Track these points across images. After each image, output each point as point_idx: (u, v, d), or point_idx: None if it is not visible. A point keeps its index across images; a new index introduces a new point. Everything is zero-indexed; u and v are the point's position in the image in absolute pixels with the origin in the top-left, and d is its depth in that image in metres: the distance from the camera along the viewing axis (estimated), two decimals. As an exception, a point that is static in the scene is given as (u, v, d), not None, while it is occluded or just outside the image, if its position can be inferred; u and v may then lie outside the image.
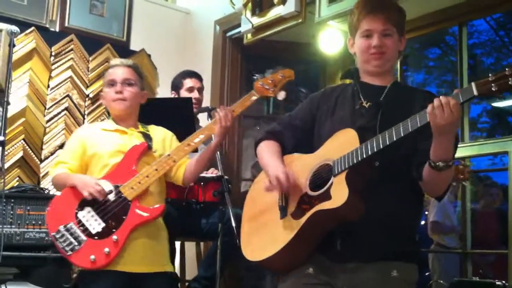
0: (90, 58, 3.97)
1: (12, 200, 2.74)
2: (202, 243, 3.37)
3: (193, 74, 3.36)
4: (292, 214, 1.72)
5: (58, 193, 3.47)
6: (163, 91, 4.10)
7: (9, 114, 3.03)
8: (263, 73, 2.37)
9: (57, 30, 3.93)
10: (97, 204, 2.20)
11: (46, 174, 3.65)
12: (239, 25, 3.90)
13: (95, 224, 2.18)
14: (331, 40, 3.69)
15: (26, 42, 3.69)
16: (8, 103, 2.56)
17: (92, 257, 2.11)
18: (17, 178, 3.52)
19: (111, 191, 2.22)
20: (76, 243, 2.14)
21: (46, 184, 3.60)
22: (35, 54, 3.71)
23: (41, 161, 3.67)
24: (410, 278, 1.69)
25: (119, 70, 2.43)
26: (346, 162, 1.62)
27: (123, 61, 2.50)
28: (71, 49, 3.87)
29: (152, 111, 2.74)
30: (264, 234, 1.79)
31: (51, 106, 3.75)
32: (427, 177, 1.62)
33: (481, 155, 3.14)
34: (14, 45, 2.54)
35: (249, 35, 3.87)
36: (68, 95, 3.80)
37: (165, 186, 2.43)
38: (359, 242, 1.66)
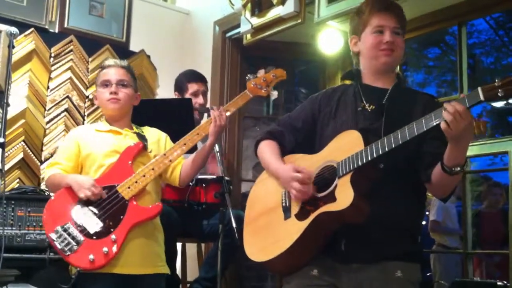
0: (90, 59, 3.96)
1: (13, 202, 2.74)
2: (203, 244, 3.36)
3: (198, 78, 3.32)
4: (296, 215, 1.72)
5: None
6: (163, 91, 4.10)
7: (9, 116, 3.03)
8: (251, 73, 2.40)
9: (57, 31, 3.92)
10: (95, 204, 2.20)
11: (46, 175, 3.65)
12: (238, 26, 3.90)
13: (92, 224, 2.17)
14: (330, 40, 3.69)
15: (26, 43, 3.68)
16: (8, 105, 2.55)
17: (91, 257, 2.10)
18: (18, 180, 3.51)
19: (107, 191, 2.22)
20: (74, 244, 2.13)
21: (46, 185, 3.60)
22: (34, 55, 3.71)
23: (42, 162, 3.66)
24: (413, 278, 1.70)
25: (113, 70, 2.41)
26: (351, 163, 1.62)
27: (117, 61, 2.48)
28: (71, 50, 3.87)
29: (152, 112, 2.74)
30: (267, 235, 1.78)
31: (51, 108, 3.75)
32: (438, 180, 1.63)
33: (482, 155, 3.14)
34: (13, 47, 2.53)
35: (249, 36, 3.87)
36: (68, 96, 3.80)
37: (160, 186, 2.43)
38: (363, 243, 1.66)
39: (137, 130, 2.43)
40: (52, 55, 3.82)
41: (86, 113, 3.88)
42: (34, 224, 2.74)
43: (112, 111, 2.39)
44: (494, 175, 4.66)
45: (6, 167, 3.44)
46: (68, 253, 2.12)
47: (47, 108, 3.74)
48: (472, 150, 3.12)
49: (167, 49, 4.36)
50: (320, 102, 1.89)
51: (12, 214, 2.71)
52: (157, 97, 4.11)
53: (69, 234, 2.14)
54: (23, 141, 3.57)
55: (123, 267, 2.17)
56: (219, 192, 2.61)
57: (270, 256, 1.72)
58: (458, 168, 1.55)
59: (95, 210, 2.19)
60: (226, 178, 2.71)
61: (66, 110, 3.78)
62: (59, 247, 2.13)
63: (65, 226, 2.16)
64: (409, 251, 1.71)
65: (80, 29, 3.98)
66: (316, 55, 3.96)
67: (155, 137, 2.45)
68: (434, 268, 4.44)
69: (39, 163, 3.64)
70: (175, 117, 2.64)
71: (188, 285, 3.11)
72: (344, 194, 1.59)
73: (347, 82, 2.01)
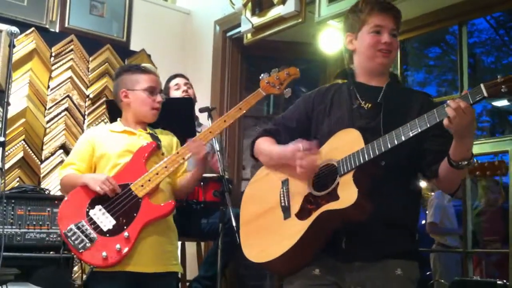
0: (90, 59, 3.97)
1: (13, 201, 2.74)
2: (202, 243, 3.37)
3: (176, 75, 3.39)
4: (297, 215, 1.71)
5: (59, 193, 3.53)
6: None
7: (9, 115, 3.04)
8: (264, 72, 2.40)
9: (57, 30, 3.93)
10: (108, 202, 2.21)
11: (47, 174, 3.66)
12: (239, 25, 3.90)
13: (106, 221, 2.19)
14: (331, 39, 3.69)
15: (26, 42, 3.69)
16: (8, 104, 2.56)
17: (104, 254, 2.11)
18: (18, 179, 3.52)
19: (121, 190, 2.23)
20: (87, 241, 2.14)
21: (46, 184, 3.61)
22: (35, 54, 3.72)
23: (42, 161, 3.67)
24: (413, 276, 1.70)
25: (157, 79, 2.46)
26: (353, 161, 1.61)
27: (155, 69, 2.54)
28: (71, 50, 3.87)
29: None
30: (267, 235, 1.77)
31: (51, 107, 3.76)
32: (445, 175, 1.63)
33: (482, 154, 3.14)
34: (14, 46, 2.53)
35: (249, 35, 3.87)
36: (68, 96, 3.80)
37: (172, 185, 2.44)
38: (364, 241, 1.65)
39: (150, 131, 2.45)
40: (53, 54, 3.82)
41: (86, 112, 3.89)
42: (34, 223, 2.74)
43: (152, 120, 2.44)
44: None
45: (6, 166, 3.45)
46: (81, 250, 2.13)
47: (47, 107, 3.75)
48: (473, 149, 3.12)
49: (168, 48, 4.37)
50: (313, 100, 1.88)
51: (12, 213, 2.71)
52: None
53: (82, 232, 2.16)
54: (23, 140, 3.58)
55: (135, 266, 2.18)
56: (219, 191, 2.61)
57: (271, 256, 1.70)
58: (466, 162, 1.56)
59: (109, 208, 2.21)
60: (227, 176, 2.72)
61: (66, 109, 3.78)
62: (72, 244, 2.14)
63: (79, 224, 2.17)
64: (409, 249, 1.71)
65: (81, 29, 3.99)
66: (317, 55, 3.96)
67: (168, 139, 2.47)
68: (434, 267, 4.44)
69: (39, 162, 3.65)
70: (175, 117, 2.64)
71: (187, 283, 3.11)
72: (347, 192, 1.58)
73: (340, 81, 2.01)
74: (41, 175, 3.64)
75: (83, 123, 3.86)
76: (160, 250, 2.27)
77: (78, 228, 2.16)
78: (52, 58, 3.82)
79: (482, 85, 1.45)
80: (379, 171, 1.63)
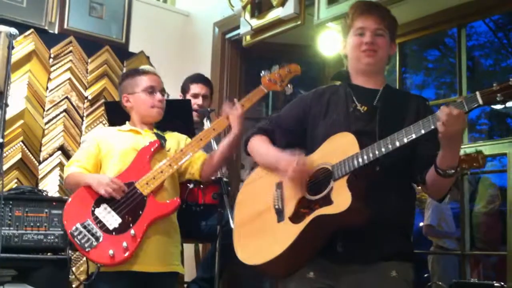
0: (89, 60, 3.97)
1: (11, 202, 2.73)
2: (200, 245, 3.37)
3: (199, 79, 3.33)
4: (290, 218, 1.70)
5: (57, 195, 3.53)
6: (162, 93, 4.10)
7: (7, 116, 3.03)
8: (265, 70, 2.41)
9: (56, 32, 3.93)
10: (114, 200, 2.22)
11: (45, 176, 3.65)
12: (238, 27, 3.91)
13: (112, 220, 2.20)
14: (330, 42, 3.69)
15: (25, 44, 3.69)
16: (6, 105, 2.55)
17: (111, 252, 2.13)
18: (16, 180, 3.52)
19: (127, 187, 2.25)
20: (93, 240, 2.16)
21: (44, 186, 3.60)
22: (34, 56, 3.72)
23: (40, 163, 3.66)
24: (408, 278, 1.70)
25: (156, 78, 2.47)
26: (347, 166, 1.61)
27: (154, 70, 2.54)
28: (70, 51, 3.87)
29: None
30: (261, 238, 1.76)
31: (49, 108, 3.75)
32: (432, 182, 1.64)
33: (480, 156, 3.14)
34: (13, 47, 2.53)
35: (248, 37, 3.87)
36: (67, 97, 3.80)
37: (178, 184, 2.45)
38: (360, 244, 1.65)
39: (157, 131, 2.47)
40: (52, 56, 3.82)
41: (85, 114, 3.89)
42: (32, 224, 2.73)
43: (154, 118, 2.45)
44: (492, 177, 4.66)
45: (4, 167, 3.45)
46: (88, 249, 2.15)
47: (46, 109, 3.75)
48: (471, 151, 3.12)
49: (167, 50, 4.37)
50: (310, 101, 1.88)
51: (10, 214, 2.71)
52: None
53: (88, 231, 2.18)
54: (22, 141, 3.57)
55: (141, 265, 2.20)
56: (217, 193, 2.61)
57: (264, 259, 1.70)
58: (452, 171, 1.55)
59: (114, 207, 2.22)
60: (225, 179, 2.72)
61: (65, 110, 3.78)
62: (79, 243, 2.16)
63: (84, 223, 2.19)
64: (404, 251, 1.71)
65: (80, 30, 3.99)
66: (316, 57, 3.97)
67: (175, 138, 2.49)
68: (432, 269, 4.43)
69: (37, 164, 3.65)
70: (174, 118, 2.65)
71: (185, 285, 3.11)
72: (341, 197, 1.58)
73: (336, 82, 2.01)
74: (39, 177, 3.63)
75: (82, 124, 3.85)
76: (164, 250, 2.29)
77: (84, 227, 2.18)
78: (51, 60, 3.82)
79: (478, 93, 1.45)
80: (374, 176, 1.63)
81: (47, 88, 3.78)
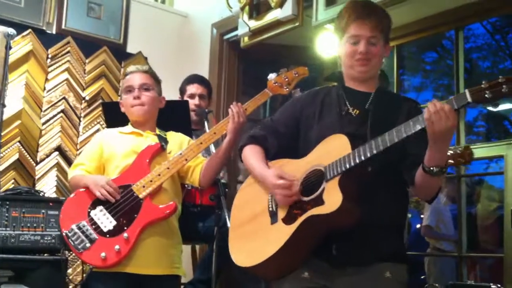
0: (87, 61, 3.96)
1: (7, 203, 2.73)
2: (198, 246, 3.36)
3: (194, 80, 3.33)
4: (283, 219, 1.71)
5: (54, 195, 3.52)
6: (160, 93, 4.09)
7: (5, 116, 3.02)
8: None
9: (54, 32, 3.92)
10: (110, 202, 2.23)
11: (42, 176, 3.65)
12: (236, 28, 3.91)
13: (106, 222, 2.20)
14: (328, 43, 3.70)
15: (23, 44, 3.68)
16: (4, 105, 2.55)
17: (103, 254, 2.13)
18: (13, 181, 3.51)
19: (123, 190, 2.24)
20: (87, 241, 2.16)
21: (41, 186, 3.60)
22: (31, 56, 3.71)
23: (37, 163, 3.66)
24: (402, 279, 1.71)
25: (135, 76, 2.45)
26: (339, 167, 1.62)
27: (139, 67, 2.52)
28: (68, 52, 3.87)
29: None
30: (254, 240, 1.78)
31: (47, 109, 3.75)
32: (420, 181, 1.64)
33: (477, 159, 3.15)
34: (10, 47, 2.54)
35: (246, 38, 3.87)
36: (64, 98, 3.80)
37: (179, 186, 2.44)
38: (354, 246, 1.66)
39: (159, 133, 2.46)
40: (49, 56, 3.81)
41: (82, 115, 3.88)
42: (29, 225, 2.73)
43: (137, 117, 2.43)
44: (489, 179, 4.68)
45: (1, 167, 3.45)
46: (81, 250, 2.15)
47: (43, 109, 3.74)
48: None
49: (165, 51, 4.36)
50: (302, 104, 1.89)
51: (7, 214, 2.70)
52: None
53: (83, 232, 2.18)
54: (19, 141, 3.57)
55: (135, 267, 2.19)
56: (215, 194, 2.61)
57: (257, 261, 1.71)
58: (438, 169, 1.55)
59: (110, 209, 2.22)
60: (223, 180, 2.72)
61: (62, 111, 3.77)
62: (73, 244, 2.16)
63: (79, 225, 2.19)
64: (397, 252, 1.72)
65: (78, 31, 3.98)
66: (314, 58, 3.97)
67: (178, 140, 2.48)
68: (428, 271, 4.44)
69: (34, 164, 3.64)
70: (172, 119, 2.64)
71: (182, 286, 3.10)
72: (332, 198, 1.59)
73: (330, 83, 2.02)
74: (36, 177, 3.63)
75: (79, 125, 3.85)
76: (161, 253, 2.27)
77: (79, 228, 2.19)
78: (49, 60, 3.81)
79: (467, 91, 1.45)
80: (366, 176, 1.64)
81: (44, 88, 3.77)
